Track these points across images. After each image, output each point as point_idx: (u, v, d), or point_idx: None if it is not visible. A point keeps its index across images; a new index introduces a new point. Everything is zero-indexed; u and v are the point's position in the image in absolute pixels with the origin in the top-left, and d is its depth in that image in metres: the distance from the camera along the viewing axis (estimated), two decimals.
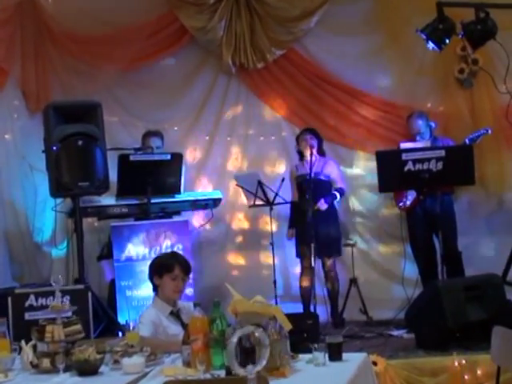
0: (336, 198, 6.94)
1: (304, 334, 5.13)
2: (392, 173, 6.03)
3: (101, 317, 5.80)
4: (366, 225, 7.42)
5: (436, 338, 5.32)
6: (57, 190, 6.11)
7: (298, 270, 7.08)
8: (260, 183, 6.73)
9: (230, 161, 7.62)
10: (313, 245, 6.41)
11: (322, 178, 6.91)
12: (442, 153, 5.91)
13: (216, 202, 6.91)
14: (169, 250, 6.06)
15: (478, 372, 4.87)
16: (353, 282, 7.00)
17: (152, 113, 7.55)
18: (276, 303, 6.31)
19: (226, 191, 7.37)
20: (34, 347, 3.59)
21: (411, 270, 6.79)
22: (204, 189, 7.43)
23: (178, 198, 6.72)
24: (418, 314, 5.64)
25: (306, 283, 6.83)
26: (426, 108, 7.16)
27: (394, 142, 6.99)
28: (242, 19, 7.38)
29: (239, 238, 7.61)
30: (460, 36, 5.23)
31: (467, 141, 6.47)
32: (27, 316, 5.41)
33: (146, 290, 5.58)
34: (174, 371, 3.25)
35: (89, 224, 7.06)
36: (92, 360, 3.40)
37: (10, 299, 5.47)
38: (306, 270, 6.80)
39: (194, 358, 3.20)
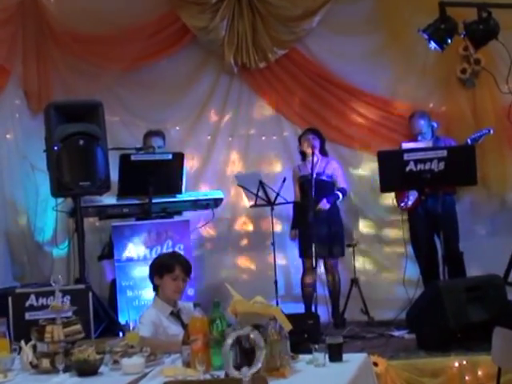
0: (338, 197, 6.93)
1: (305, 335, 5.13)
2: (394, 173, 6.01)
3: (101, 317, 5.79)
4: (368, 225, 7.41)
5: (437, 339, 5.31)
6: (58, 189, 6.10)
7: (299, 270, 7.06)
8: (261, 183, 6.73)
9: (231, 160, 7.62)
10: (314, 245, 6.40)
11: (325, 178, 6.90)
12: (444, 153, 5.90)
13: (217, 201, 6.90)
14: (170, 250, 6.05)
15: (479, 373, 4.86)
16: (354, 282, 6.99)
17: (153, 112, 7.54)
18: (277, 303, 6.31)
19: (228, 191, 7.37)
20: (34, 347, 3.58)
21: (412, 271, 6.78)
22: (205, 189, 7.42)
23: (180, 197, 6.70)
24: (419, 314, 5.63)
25: (308, 283, 6.82)
26: (427, 108, 7.15)
27: (396, 142, 6.99)
28: (244, 19, 7.38)
29: (240, 238, 7.60)
30: (462, 36, 5.22)
31: (469, 141, 6.46)
32: (28, 316, 5.39)
33: (146, 290, 5.57)
34: (173, 371, 3.24)
35: (90, 224, 7.05)
36: (92, 360, 3.40)
37: (10, 299, 5.47)
38: (309, 270, 6.79)
39: (194, 359, 3.20)
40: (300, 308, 6.86)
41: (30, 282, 6.28)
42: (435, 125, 6.89)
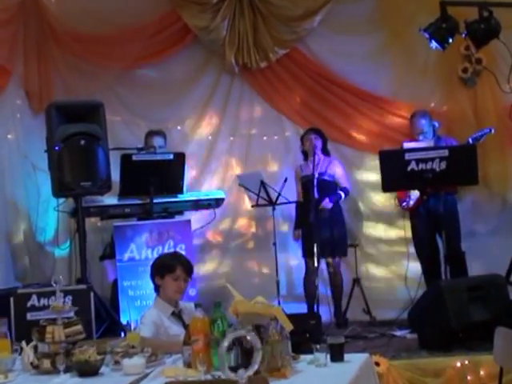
0: (341, 197, 6.93)
1: (306, 335, 5.12)
2: (395, 172, 6.00)
3: (103, 317, 5.78)
4: (370, 225, 7.40)
5: (439, 339, 5.31)
6: (59, 189, 6.10)
7: (301, 270, 7.06)
8: (263, 183, 6.73)
9: (232, 160, 7.61)
10: (317, 245, 6.39)
11: (327, 178, 6.90)
12: (446, 152, 5.89)
13: (219, 201, 6.89)
14: (171, 250, 6.04)
15: (481, 373, 4.86)
16: (356, 281, 7.00)
17: (155, 112, 7.54)
18: (279, 303, 6.30)
19: (229, 191, 7.37)
20: (35, 348, 3.58)
21: (414, 270, 6.77)
22: (207, 189, 7.41)
23: (181, 197, 6.70)
24: (421, 314, 5.63)
25: (311, 283, 6.81)
26: (429, 107, 7.13)
27: (397, 141, 6.96)
28: (246, 18, 7.38)
29: (242, 238, 7.59)
30: (463, 35, 5.22)
31: (471, 140, 6.45)
32: (29, 316, 5.38)
33: (148, 290, 5.56)
34: (174, 372, 3.23)
35: (91, 224, 7.06)
36: (92, 361, 3.39)
37: (12, 299, 5.46)
38: (311, 270, 6.78)
39: (195, 359, 3.19)
40: (302, 308, 6.85)
41: (32, 283, 6.27)
42: (436, 124, 6.88)
